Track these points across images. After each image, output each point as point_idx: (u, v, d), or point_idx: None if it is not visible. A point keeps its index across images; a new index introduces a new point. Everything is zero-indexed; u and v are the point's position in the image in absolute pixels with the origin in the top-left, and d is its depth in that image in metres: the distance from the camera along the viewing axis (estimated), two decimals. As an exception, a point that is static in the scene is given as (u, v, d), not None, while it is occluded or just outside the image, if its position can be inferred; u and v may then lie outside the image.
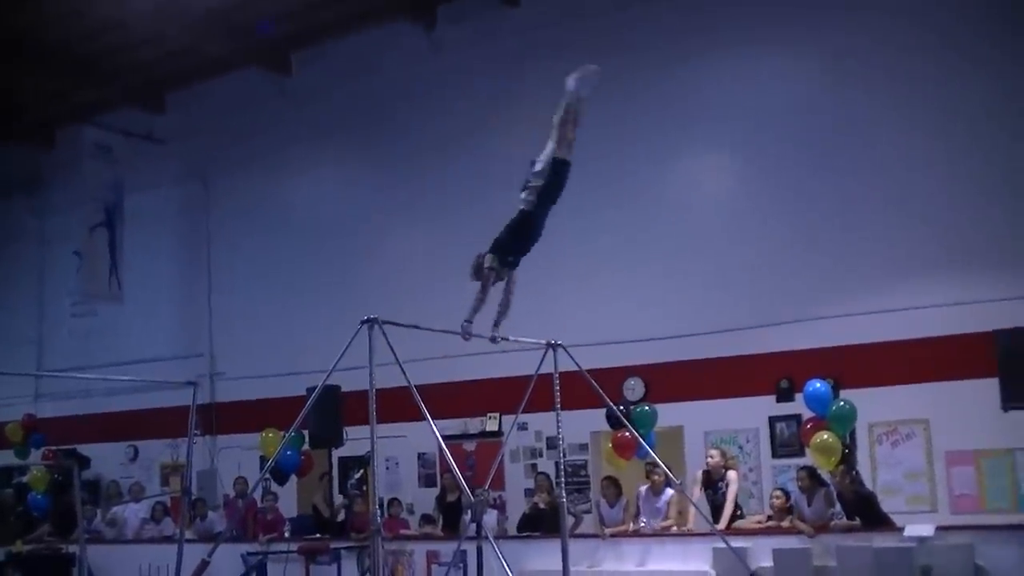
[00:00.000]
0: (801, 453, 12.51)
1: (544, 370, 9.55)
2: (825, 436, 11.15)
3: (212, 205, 18.78)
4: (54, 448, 17.66)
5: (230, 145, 18.48)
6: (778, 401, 13.40)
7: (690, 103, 14.39)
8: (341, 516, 14.05)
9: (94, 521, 16.32)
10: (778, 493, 11.65)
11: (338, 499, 14.50)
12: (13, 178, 21.15)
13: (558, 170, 8.21)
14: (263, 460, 15.00)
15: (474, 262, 8.42)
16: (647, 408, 12.75)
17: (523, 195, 8.28)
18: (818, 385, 11.54)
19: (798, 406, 12.52)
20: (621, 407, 12.22)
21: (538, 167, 8.21)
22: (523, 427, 14.23)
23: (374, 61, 16.90)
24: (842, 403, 11.51)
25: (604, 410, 11.48)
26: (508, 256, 8.34)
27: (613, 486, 12.50)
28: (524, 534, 12.77)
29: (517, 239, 8.36)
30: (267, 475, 13.70)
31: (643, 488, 12.31)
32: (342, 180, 17.62)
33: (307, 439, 14.09)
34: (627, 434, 11.39)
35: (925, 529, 10.31)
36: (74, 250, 18.85)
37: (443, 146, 16.08)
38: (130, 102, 18.87)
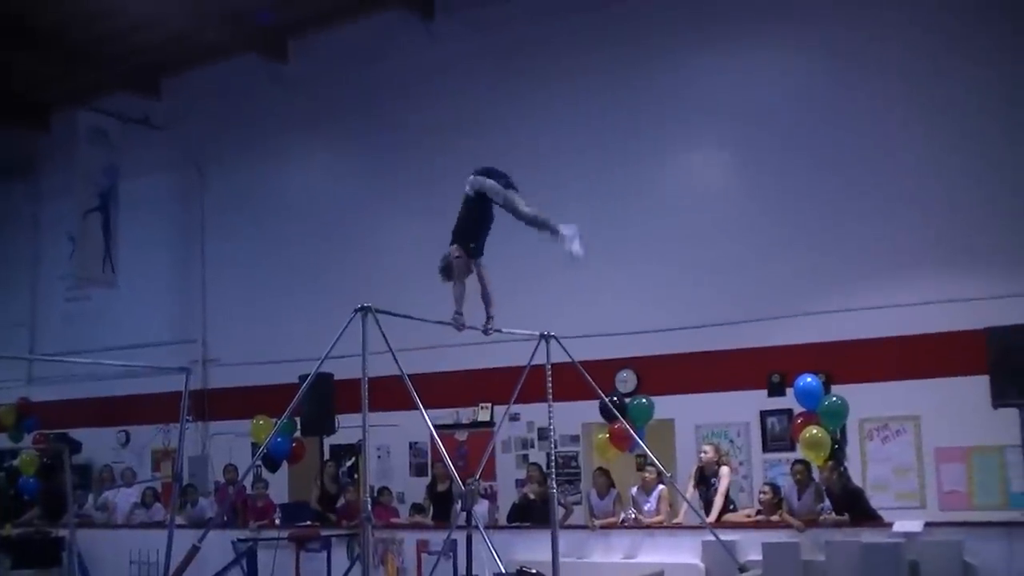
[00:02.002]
0: (792, 448, 12.51)
1: (537, 361, 9.56)
2: (815, 431, 11.18)
3: (207, 191, 18.76)
4: (46, 432, 17.66)
5: (226, 132, 18.48)
6: (769, 395, 13.43)
7: (685, 98, 14.41)
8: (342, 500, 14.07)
9: (84, 505, 16.33)
10: (766, 488, 11.66)
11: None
12: (8, 161, 21.14)
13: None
14: (255, 447, 15.01)
15: (440, 264, 8.64)
16: (644, 401, 12.77)
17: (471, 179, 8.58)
18: (809, 380, 11.57)
19: (790, 400, 12.56)
20: (615, 399, 12.24)
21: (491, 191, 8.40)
22: (515, 417, 14.24)
23: (371, 50, 16.88)
24: (834, 398, 11.55)
25: (596, 402, 11.50)
26: (469, 243, 8.56)
27: (604, 478, 12.51)
28: (514, 524, 12.79)
29: (470, 225, 8.65)
30: (258, 462, 13.72)
31: (634, 489, 12.33)
32: (337, 168, 17.61)
33: (299, 426, 14.10)
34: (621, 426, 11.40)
35: (914, 525, 10.35)
36: (68, 234, 18.85)
37: (439, 136, 16.06)
38: (126, 87, 18.86)
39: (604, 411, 11.95)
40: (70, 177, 18.62)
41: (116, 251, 18.41)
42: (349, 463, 15.36)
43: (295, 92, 17.68)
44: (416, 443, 15.79)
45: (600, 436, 12.75)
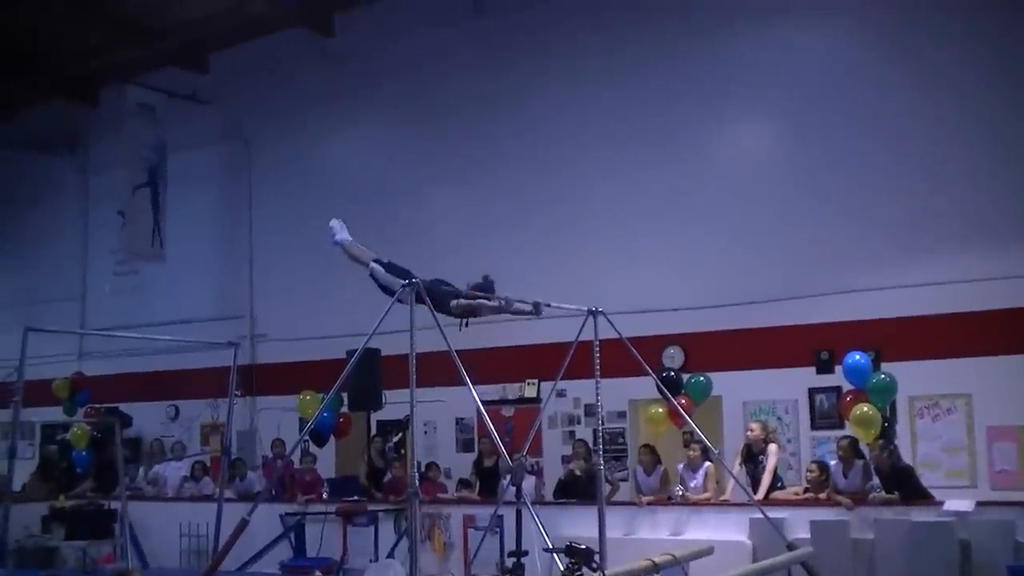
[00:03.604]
0: (840, 425, 12.46)
1: (584, 337, 9.52)
2: (865, 408, 11.11)
3: (253, 165, 18.83)
4: (97, 406, 17.87)
5: (272, 106, 18.53)
6: (818, 373, 13.32)
7: (733, 69, 14.25)
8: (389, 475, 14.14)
9: (135, 478, 16.54)
10: (812, 467, 11.60)
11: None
12: (58, 136, 21.35)
13: None
14: (302, 422, 15.12)
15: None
16: (701, 379, 12.74)
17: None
18: (857, 357, 11.49)
19: (837, 378, 12.47)
20: (665, 375, 12.19)
21: None
22: (561, 394, 14.22)
23: (415, 23, 16.86)
24: (882, 375, 11.45)
25: (643, 378, 11.43)
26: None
27: (650, 454, 12.50)
28: (560, 500, 12.81)
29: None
30: (306, 437, 13.82)
31: (680, 466, 12.31)
32: (382, 141, 17.60)
33: (346, 402, 14.17)
34: (681, 402, 11.37)
35: (965, 504, 10.27)
36: (118, 209, 18.99)
37: (483, 107, 16.06)
38: (174, 62, 18.94)
39: (665, 385, 11.86)
40: (119, 151, 18.74)
41: (164, 226, 18.54)
42: (396, 438, 15.39)
43: (340, 66, 17.69)
44: (463, 419, 15.82)
45: (653, 410, 12.70)
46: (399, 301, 7.34)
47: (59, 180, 21.63)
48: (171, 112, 18.80)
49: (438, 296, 7.77)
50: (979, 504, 10.31)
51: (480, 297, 7.91)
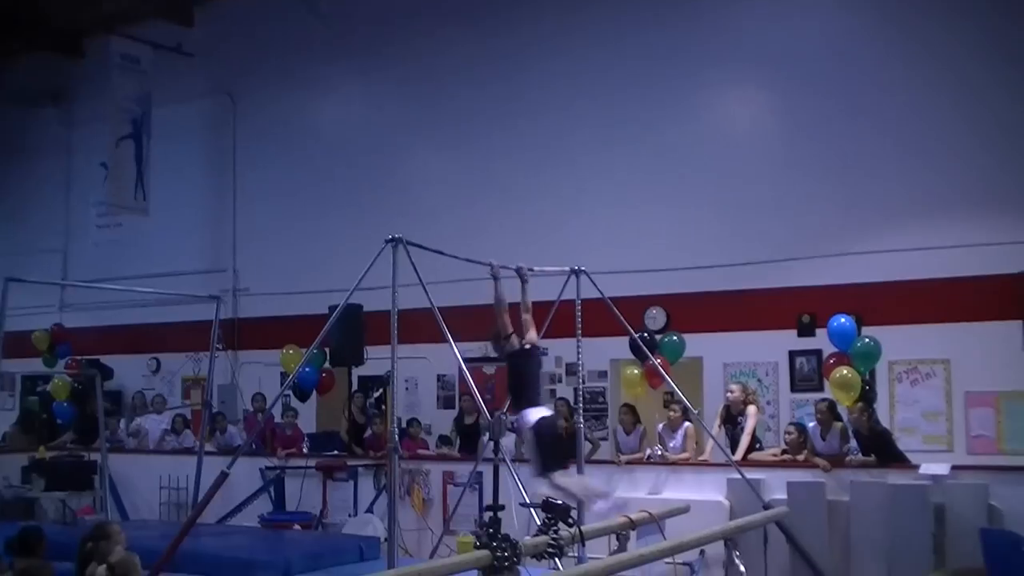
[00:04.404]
0: (820, 388, 12.55)
1: (566, 296, 9.55)
2: (845, 371, 11.17)
3: (239, 121, 18.69)
4: (78, 358, 17.85)
5: (258, 61, 18.37)
6: (799, 336, 13.37)
7: (720, 37, 14.21)
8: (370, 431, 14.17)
9: (116, 431, 16.55)
10: (791, 429, 11.69)
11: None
12: (41, 88, 21.14)
13: None
14: (284, 377, 15.14)
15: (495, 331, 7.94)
16: (675, 338, 12.79)
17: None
18: (843, 321, 11.52)
19: (819, 341, 12.55)
20: (645, 335, 12.23)
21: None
22: (543, 353, 14.22)
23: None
24: (867, 340, 11.50)
25: (625, 338, 11.49)
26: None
27: (630, 414, 12.54)
28: (540, 458, 12.83)
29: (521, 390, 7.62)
30: (287, 391, 13.83)
31: (660, 426, 12.37)
32: (369, 100, 17.51)
33: (328, 357, 14.18)
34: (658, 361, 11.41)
35: (940, 468, 10.35)
36: (101, 161, 18.87)
37: (471, 69, 15.98)
38: (159, 14, 18.75)
39: (635, 348, 11.93)
40: (103, 104, 18.57)
41: (148, 179, 18.41)
42: (377, 394, 15.44)
43: (328, 22, 17.53)
44: (444, 376, 15.83)
45: (630, 371, 12.76)
46: None
47: (42, 132, 21.43)
48: (156, 65, 18.61)
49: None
50: (954, 468, 10.40)
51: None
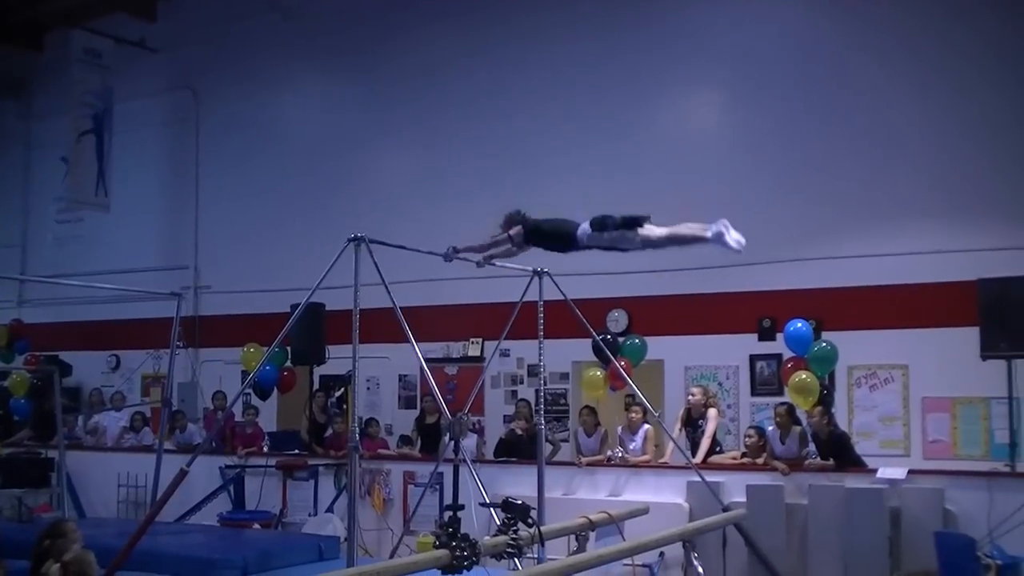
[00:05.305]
0: (780, 392, 12.62)
1: (529, 297, 9.56)
2: (804, 376, 11.25)
3: (202, 117, 18.59)
4: (37, 354, 17.68)
5: (222, 57, 18.27)
6: (760, 340, 13.46)
7: (681, 39, 14.28)
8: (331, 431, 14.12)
9: (75, 428, 16.40)
10: (751, 432, 11.75)
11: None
12: (0, 81, 20.91)
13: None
14: (245, 375, 15.06)
15: (511, 215, 8.49)
16: (636, 340, 12.83)
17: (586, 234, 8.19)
18: (799, 325, 11.61)
19: (779, 345, 12.62)
20: (607, 337, 12.26)
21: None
22: (505, 353, 14.27)
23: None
24: (823, 344, 11.60)
25: (587, 340, 11.51)
26: (532, 243, 8.28)
27: (591, 416, 12.57)
28: (501, 459, 12.87)
29: (549, 237, 8.31)
30: (248, 390, 13.76)
31: (620, 428, 12.40)
32: (333, 98, 17.45)
33: (290, 356, 14.14)
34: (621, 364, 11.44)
35: (897, 472, 10.46)
36: (61, 156, 18.72)
37: (435, 70, 15.97)
38: (122, 8, 18.59)
39: (597, 350, 11.95)
40: (64, 98, 18.43)
41: (109, 174, 18.29)
42: (338, 394, 15.40)
43: (292, 19, 17.48)
44: (406, 376, 15.82)
45: (591, 373, 12.80)
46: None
47: (1, 126, 21.25)
48: (118, 60, 18.50)
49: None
50: (911, 472, 10.50)
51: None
